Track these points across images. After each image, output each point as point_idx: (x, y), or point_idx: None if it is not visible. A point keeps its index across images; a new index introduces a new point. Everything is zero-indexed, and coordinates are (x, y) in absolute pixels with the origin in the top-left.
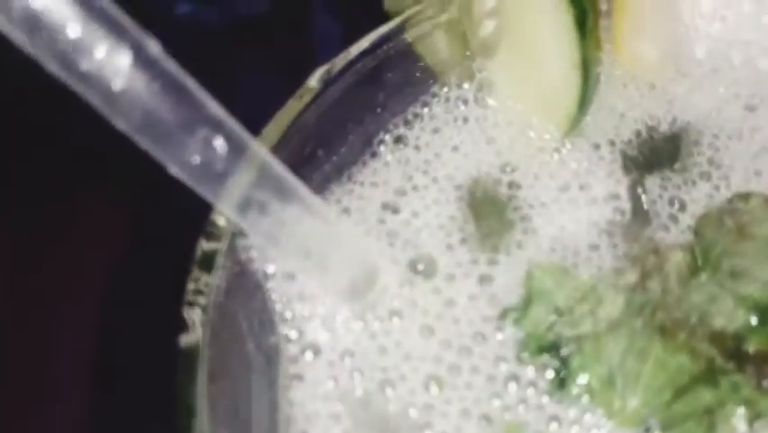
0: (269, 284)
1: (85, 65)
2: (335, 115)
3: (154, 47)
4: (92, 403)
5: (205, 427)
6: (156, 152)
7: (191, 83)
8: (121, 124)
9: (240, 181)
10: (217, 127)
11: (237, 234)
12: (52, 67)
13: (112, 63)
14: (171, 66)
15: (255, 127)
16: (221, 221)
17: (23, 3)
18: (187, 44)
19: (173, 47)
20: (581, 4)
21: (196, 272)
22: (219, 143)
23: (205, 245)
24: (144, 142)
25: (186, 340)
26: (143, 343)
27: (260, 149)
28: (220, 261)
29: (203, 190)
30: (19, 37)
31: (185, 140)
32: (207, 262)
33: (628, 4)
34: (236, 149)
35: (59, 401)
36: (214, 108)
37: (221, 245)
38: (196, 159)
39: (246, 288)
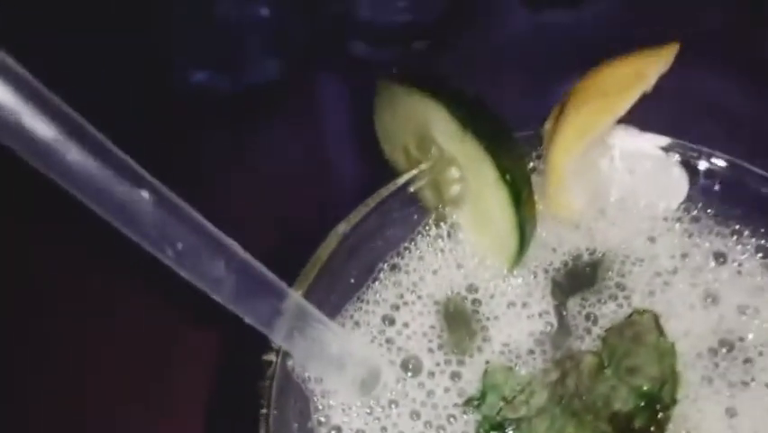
0: (306, 385)
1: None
2: (350, 251)
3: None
4: None
5: None
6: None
7: (269, 276)
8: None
9: (284, 319)
10: (281, 296)
11: (285, 352)
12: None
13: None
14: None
15: (264, 176)
16: (274, 345)
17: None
18: (202, 108)
19: (190, 111)
20: (516, 184)
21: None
22: (277, 309)
23: (265, 357)
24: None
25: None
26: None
27: (296, 294)
28: (275, 370)
29: (262, 329)
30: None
31: (260, 308)
32: (267, 370)
33: (555, 170)
34: (284, 304)
35: None
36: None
37: (276, 359)
38: (263, 318)
39: (292, 388)
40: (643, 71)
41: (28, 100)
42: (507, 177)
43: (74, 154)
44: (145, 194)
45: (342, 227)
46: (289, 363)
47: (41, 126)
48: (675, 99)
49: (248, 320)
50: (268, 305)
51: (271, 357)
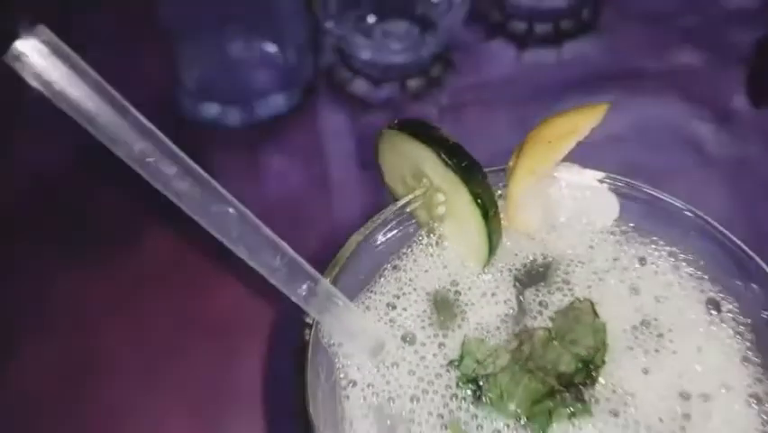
0: (331, 349)
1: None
2: (363, 254)
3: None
4: None
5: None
6: (288, 293)
7: (308, 267)
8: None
9: (316, 299)
10: (315, 282)
11: (317, 323)
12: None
13: None
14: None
15: (271, 200)
16: (308, 318)
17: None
18: (215, 139)
19: (204, 141)
20: (485, 206)
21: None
22: (313, 291)
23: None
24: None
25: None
26: None
27: (325, 281)
28: (310, 336)
29: (301, 305)
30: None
31: (300, 290)
32: (305, 335)
33: (513, 197)
34: (317, 288)
35: None
36: (308, 267)
37: (310, 329)
38: (302, 292)
39: (321, 350)
40: (577, 125)
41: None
42: (479, 200)
43: (182, 185)
44: (232, 210)
45: (357, 237)
46: (320, 332)
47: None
48: (616, 141)
49: (293, 299)
50: (306, 288)
51: (307, 328)
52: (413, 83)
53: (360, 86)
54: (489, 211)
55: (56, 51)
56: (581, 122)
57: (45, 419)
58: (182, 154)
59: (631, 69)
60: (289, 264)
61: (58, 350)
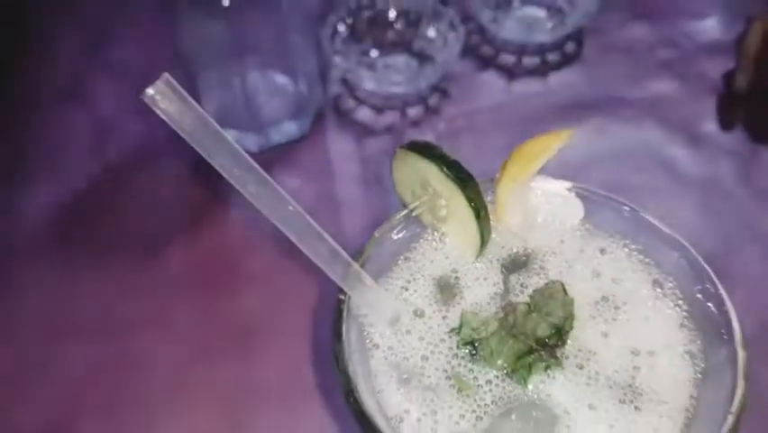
0: (359, 319)
1: None
2: (381, 248)
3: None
4: None
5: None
6: (327, 272)
7: (344, 253)
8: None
9: (349, 278)
10: (348, 265)
11: (349, 297)
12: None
13: None
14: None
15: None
16: (342, 295)
17: None
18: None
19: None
20: (477, 208)
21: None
22: (347, 272)
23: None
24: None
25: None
26: None
27: (356, 264)
28: (344, 307)
29: (337, 282)
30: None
31: (337, 270)
32: (341, 304)
33: (499, 201)
34: (350, 270)
35: None
36: (344, 254)
37: (345, 301)
38: (338, 271)
39: (352, 319)
40: (549, 146)
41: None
42: (472, 204)
43: (257, 188)
44: (291, 208)
45: (377, 233)
46: (351, 305)
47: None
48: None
49: (331, 277)
50: (342, 269)
51: (343, 298)
52: (412, 111)
53: (364, 113)
54: (480, 212)
55: (175, 92)
56: (551, 143)
57: (80, 419)
58: (258, 167)
59: (611, 97)
60: (330, 251)
61: (90, 353)
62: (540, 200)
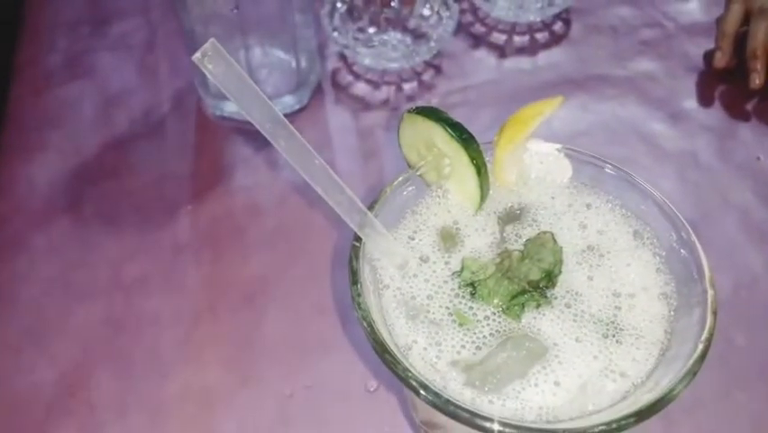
0: (373, 262)
1: None
2: (391, 202)
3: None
4: None
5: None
6: (346, 220)
7: (360, 204)
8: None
9: (364, 224)
10: (364, 214)
11: (364, 242)
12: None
13: None
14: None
15: (290, 184)
16: (357, 242)
17: None
18: (235, 134)
19: (224, 136)
20: (478, 165)
21: (354, 254)
22: (363, 220)
23: (356, 244)
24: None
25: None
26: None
27: (371, 214)
28: (359, 251)
29: (354, 228)
30: None
31: (355, 218)
32: (357, 249)
33: (498, 160)
34: (365, 218)
35: None
36: (360, 203)
37: (359, 245)
38: (355, 219)
39: (367, 262)
40: (541, 111)
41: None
42: (474, 161)
43: (288, 143)
44: (317, 161)
45: (387, 189)
46: (366, 248)
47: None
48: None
49: (349, 224)
50: (359, 217)
51: (358, 245)
52: (407, 86)
53: (361, 88)
54: (481, 169)
55: (220, 55)
56: (544, 108)
57: (95, 371)
58: (288, 123)
59: (597, 75)
60: (349, 201)
61: (101, 311)
62: (533, 160)
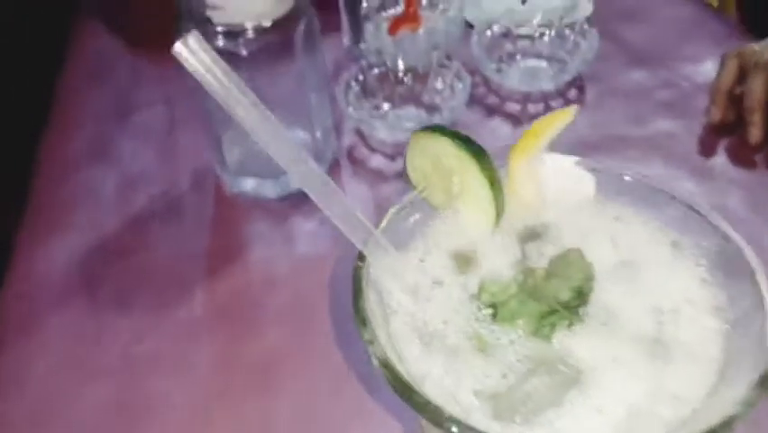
0: (379, 286)
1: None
2: (394, 227)
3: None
4: None
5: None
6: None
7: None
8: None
9: (368, 241)
10: (370, 234)
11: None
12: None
13: None
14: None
15: (306, 258)
16: (361, 262)
17: None
18: (250, 209)
19: (241, 212)
20: (490, 175)
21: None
22: (368, 240)
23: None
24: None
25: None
26: None
27: (378, 233)
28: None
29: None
30: None
31: (360, 236)
32: (360, 269)
33: (513, 174)
34: (371, 240)
35: None
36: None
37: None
38: (361, 242)
39: (371, 286)
40: (553, 123)
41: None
42: (485, 172)
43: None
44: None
45: (391, 210)
46: (371, 270)
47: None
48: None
49: (355, 244)
50: (365, 236)
51: (361, 265)
52: None
53: (377, 161)
54: (494, 180)
55: (201, 47)
56: (557, 119)
57: None
58: (272, 117)
59: (616, 137)
60: (358, 220)
61: (107, 395)
62: (552, 175)
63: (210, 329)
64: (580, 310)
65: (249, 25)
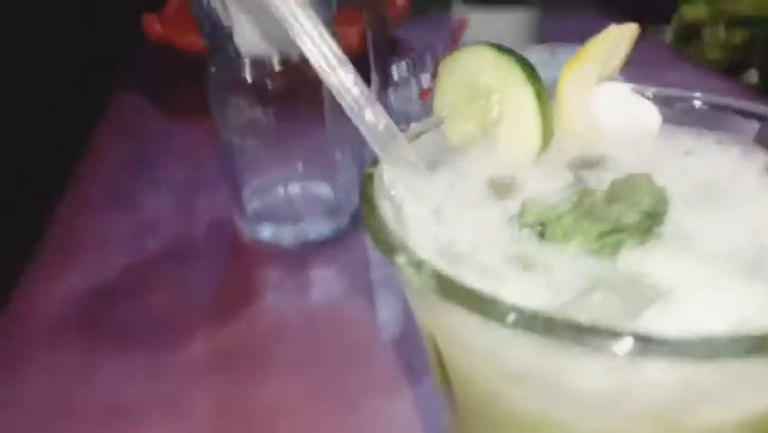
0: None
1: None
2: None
3: None
4: None
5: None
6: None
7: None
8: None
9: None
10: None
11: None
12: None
13: None
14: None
15: (321, 306)
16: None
17: None
18: (265, 256)
19: (258, 259)
20: (537, 86)
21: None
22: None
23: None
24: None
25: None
26: None
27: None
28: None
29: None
30: None
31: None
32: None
33: (562, 97)
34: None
35: None
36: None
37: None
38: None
39: (384, 196)
40: (610, 43)
41: None
42: (530, 80)
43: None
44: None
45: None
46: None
47: None
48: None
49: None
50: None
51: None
52: None
53: None
54: (541, 94)
55: None
56: (615, 36)
57: None
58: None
59: None
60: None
61: None
62: (608, 104)
63: (209, 375)
64: (655, 229)
65: (275, 59)
